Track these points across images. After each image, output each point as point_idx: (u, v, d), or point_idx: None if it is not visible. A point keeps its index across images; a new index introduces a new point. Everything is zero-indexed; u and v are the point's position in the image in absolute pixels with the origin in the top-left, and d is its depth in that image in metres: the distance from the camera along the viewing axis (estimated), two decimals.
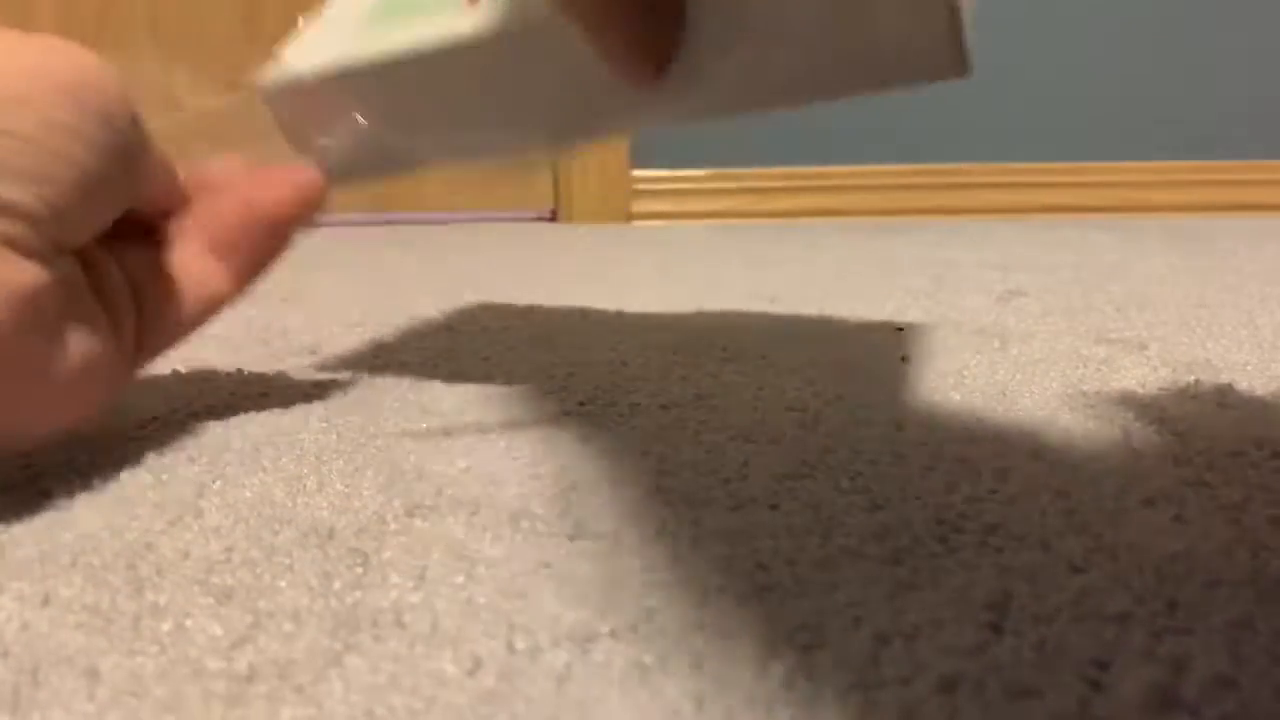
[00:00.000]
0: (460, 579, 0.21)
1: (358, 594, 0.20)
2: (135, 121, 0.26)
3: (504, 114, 0.30)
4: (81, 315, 0.25)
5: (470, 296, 0.61)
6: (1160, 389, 0.36)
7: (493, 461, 0.28)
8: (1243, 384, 0.37)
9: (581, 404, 0.35)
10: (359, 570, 0.21)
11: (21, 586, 0.20)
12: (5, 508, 0.25)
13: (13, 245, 0.23)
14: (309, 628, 0.19)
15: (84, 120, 0.24)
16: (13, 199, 0.22)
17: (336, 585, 0.21)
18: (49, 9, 1.15)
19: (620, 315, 0.54)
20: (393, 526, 0.24)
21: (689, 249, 0.92)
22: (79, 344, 0.25)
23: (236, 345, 0.46)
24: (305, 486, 0.26)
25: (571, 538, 0.23)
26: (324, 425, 0.32)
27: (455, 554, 0.22)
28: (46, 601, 0.20)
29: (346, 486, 0.26)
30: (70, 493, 0.25)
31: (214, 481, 0.27)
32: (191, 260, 0.30)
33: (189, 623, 0.19)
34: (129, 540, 0.23)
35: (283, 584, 0.21)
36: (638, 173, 1.25)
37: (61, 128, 0.23)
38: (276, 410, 0.34)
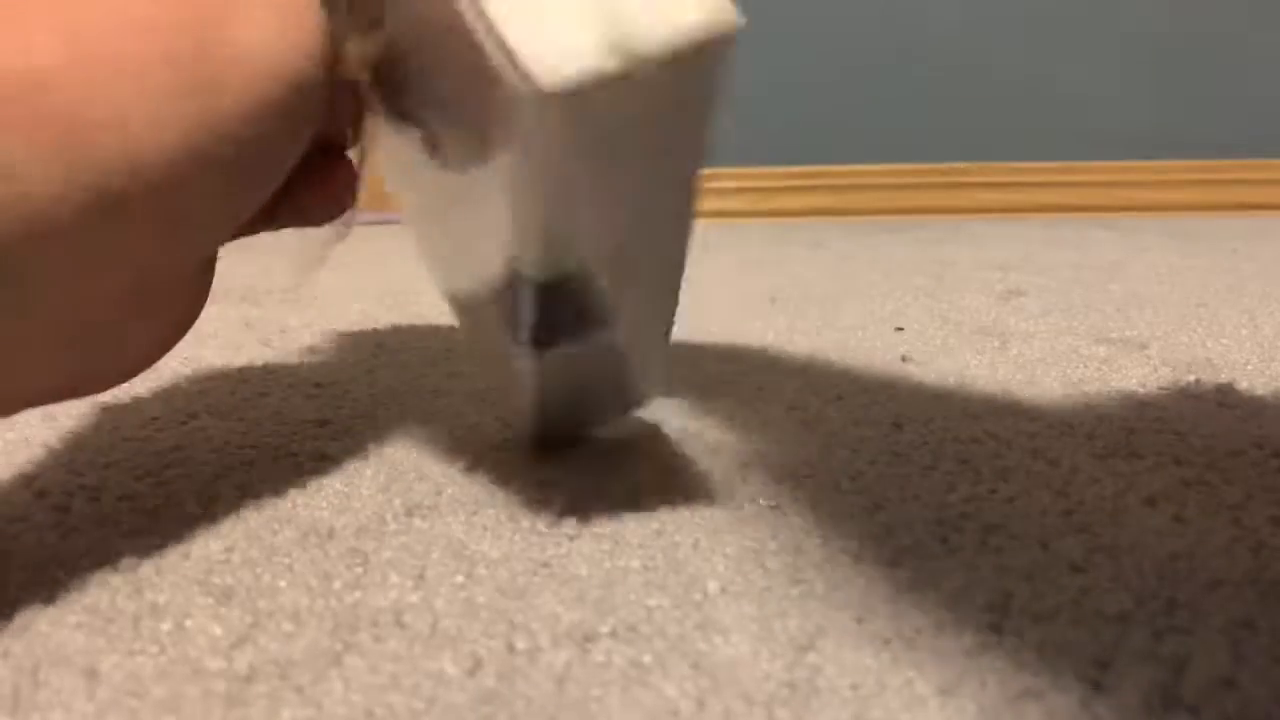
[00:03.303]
0: (460, 579, 0.21)
1: (357, 594, 0.20)
2: None
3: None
4: None
5: None
6: (1160, 389, 0.36)
7: (493, 462, 0.28)
8: (1243, 384, 0.37)
9: None
10: (359, 570, 0.21)
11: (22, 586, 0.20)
12: (6, 508, 0.25)
13: None
14: (309, 628, 0.19)
15: None
16: None
17: (336, 585, 0.21)
18: None
19: None
20: (393, 526, 0.24)
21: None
22: None
23: (236, 345, 0.46)
24: (305, 486, 0.26)
25: (571, 538, 0.23)
26: (324, 425, 0.32)
27: (455, 554, 0.22)
28: (47, 601, 0.20)
29: (346, 486, 0.26)
30: (69, 493, 0.26)
31: (214, 481, 0.27)
32: None
33: (189, 623, 0.19)
34: (129, 540, 0.23)
35: (283, 584, 0.21)
36: None
37: None
38: (276, 410, 0.34)
